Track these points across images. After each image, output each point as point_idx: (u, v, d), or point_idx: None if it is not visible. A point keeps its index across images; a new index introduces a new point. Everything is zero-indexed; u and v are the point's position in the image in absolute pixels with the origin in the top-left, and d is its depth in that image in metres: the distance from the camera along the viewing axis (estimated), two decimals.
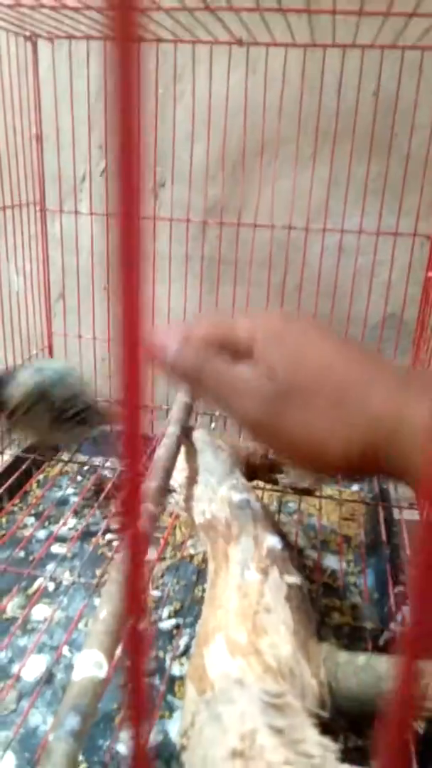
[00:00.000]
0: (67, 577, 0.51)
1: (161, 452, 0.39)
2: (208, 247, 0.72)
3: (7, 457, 0.67)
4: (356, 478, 0.69)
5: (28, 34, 0.65)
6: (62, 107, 0.69)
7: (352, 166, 0.65)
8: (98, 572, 0.52)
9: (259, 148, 0.67)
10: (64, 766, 0.27)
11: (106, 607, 0.33)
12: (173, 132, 0.68)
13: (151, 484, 0.36)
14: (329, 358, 0.32)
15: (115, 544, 0.57)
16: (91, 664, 0.31)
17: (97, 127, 0.69)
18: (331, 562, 0.54)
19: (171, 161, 0.68)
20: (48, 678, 0.42)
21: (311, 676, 0.31)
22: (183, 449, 0.47)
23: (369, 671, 0.31)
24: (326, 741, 0.23)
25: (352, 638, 0.45)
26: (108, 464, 0.69)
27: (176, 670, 0.43)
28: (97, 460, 0.70)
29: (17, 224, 0.68)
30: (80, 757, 0.36)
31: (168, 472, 0.39)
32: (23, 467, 0.65)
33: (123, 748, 0.37)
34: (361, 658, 0.32)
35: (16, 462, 0.66)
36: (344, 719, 0.32)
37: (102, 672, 0.31)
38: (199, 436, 0.48)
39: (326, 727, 0.27)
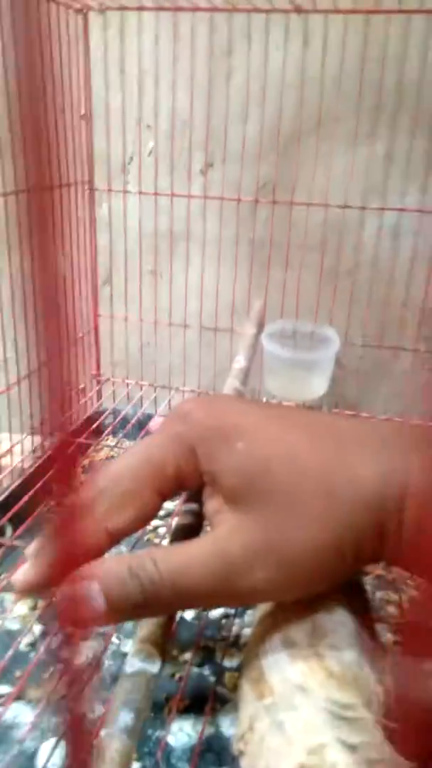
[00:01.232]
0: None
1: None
2: (258, 227, 0.69)
3: (53, 441, 0.67)
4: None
5: (79, 6, 0.63)
6: (112, 85, 0.67)
7: (414, 142, 0.62)
8: None
9: (313, 125, 0.64)
10: (119, 764, 0.26)
11: None
12: (225, 110, 0.65)
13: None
14: (295, 448, 0.25)
15: (162, 530, 0.56)
16: (142, 659, 0.30)
17: (147, 106, 0.68)
18: None
19: (222, 140, 0.66)
20: (97, 664, 0.41)
21: (376, 682, 0.29)
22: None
23: None
24: (407, 763, 0.22)
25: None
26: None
27: (226, 661, 0.42)
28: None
29: (65, 205, 0.68)
30: None
31: None
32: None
33: (173, 739, 0.36)
34: (430, 664, 0.30)
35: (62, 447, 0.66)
36: (411, 728, 0.30)
37: (154, 667, 0.30)
38: None
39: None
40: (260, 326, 0.67)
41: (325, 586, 0.28)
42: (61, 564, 0.25)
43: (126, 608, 0.25)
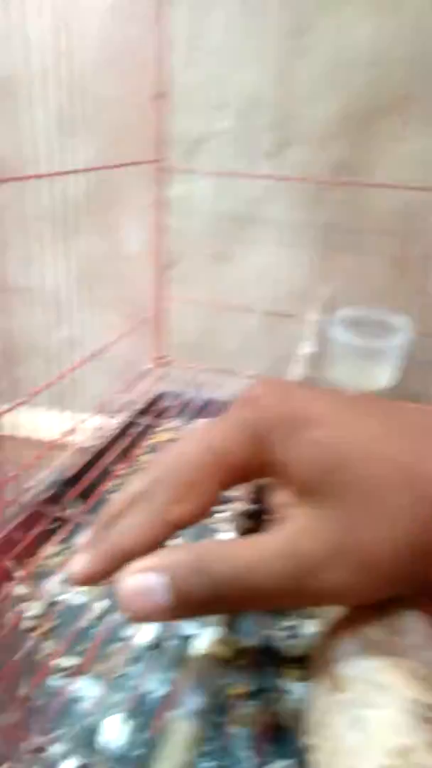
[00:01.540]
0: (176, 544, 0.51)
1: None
2: (330, 210, 0.67)
3: (115, 422, 0.68)
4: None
5: None
6: (188, 63, 0.66)
7: None
8: (209, 539, 0.51)
9: (391, 104, 0.62)
10: (188, 747, 0.25)
11: None
12: (301, 88, 0.64)
13: None
14: (378, 441, 0.24)
15: (220, 514, 0.55)
16: (212, 641, 0.30)
17: (221, 85, 0.66)
18: None
19: (295, 120, 0.64)
20: (159, 645, 0.42)
21: None
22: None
23: None
24: None
25: None
26: None
27: (287, 651, 0.41)
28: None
29: (136, 187, 0.67)
30: None
31: None
32: (132, 433, 0.65)
33: (235, 728, 0.36)
34: None
35: (126, 427, 0.66)
36: None
37: (224, 651, 0.30)
38: None
39: None
40: (328, 312, 0.65)
41: (405, 589, 0.26)
42: (118, 555, 0.24)
43: (191, 605, 0.23)
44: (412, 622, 0.30)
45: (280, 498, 0.26)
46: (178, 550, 0.24)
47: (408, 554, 0.23)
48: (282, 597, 0.24)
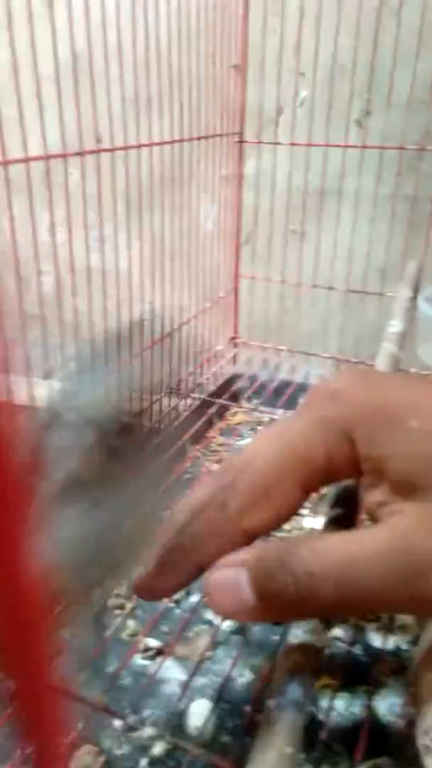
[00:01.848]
0: None
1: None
2: (420, 181, 0.63)
3: (190, 401, 0.67)
4: None
5: None
6: (270, 32, 0.64)
7: None
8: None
9: None
10: (291, 738, 0.24)
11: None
12: (392, 50, 0.60)
13: None
14: None
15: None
16: (308, 630, 0.28)
17: (302, 53, 0.63)
18: None
19: (383, 85, 0.60)
20: (243, 630, 0.40)
21: None
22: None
23: None
24: None
25: None
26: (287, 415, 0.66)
27: (379, 643, 0.39)
28: (277, 413, 0.68)
29: (213, 159, 0.66)
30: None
31: None
32: (207, 413, 0.64)
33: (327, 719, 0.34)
34: None
35: (200, 408, 0.65)
36: None
37: (321, 640, 0.28)
38: None
39: None
40: (416, 290, 0.61)
41: None
42: (193, 570, 0.23)
43: (276, 604, 0.21)
44: None
45: (375, 497, 0.23)
46: (267, 544, 0.23)
47: None
48: (387, 599, 0.21)
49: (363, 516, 0.27)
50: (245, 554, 0.22)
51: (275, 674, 0.26)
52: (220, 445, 0.63)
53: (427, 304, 0.60)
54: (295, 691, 0.26)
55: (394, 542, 0.21)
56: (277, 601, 0.21)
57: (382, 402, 0.23)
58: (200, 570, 0.23)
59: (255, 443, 0.25)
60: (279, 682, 0.26)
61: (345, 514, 0.27)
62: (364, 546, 0.21)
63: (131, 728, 0.33)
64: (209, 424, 0.65)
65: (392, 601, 0.21)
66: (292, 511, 0.24)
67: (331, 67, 0.62)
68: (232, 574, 0.22)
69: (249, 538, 0.23)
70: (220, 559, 0.22)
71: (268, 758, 0.23)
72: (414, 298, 0.60)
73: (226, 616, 0.23)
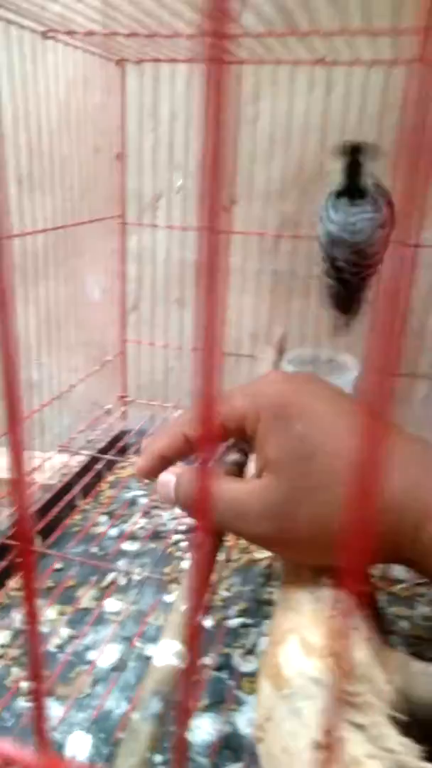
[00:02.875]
0: (138, 573, 0.54)
1: (231, 458, 0.40)
2: (280, 260, 0.73)
3: (82, 458, 0.70)
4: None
5: (117, 58, 0.69)
6: (146, 127, 0.72)
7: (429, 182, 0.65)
8: (167, 570, 0.54)
9: (326, 168, 0.68)
10: (149, 745, 0.28)
11: (185, 601, 0.34)
12: (251, 150, 0.70)
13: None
14: (341, 440, 0.30)
15: (183, 544, 0.58)
16: (171, 653, 0.33)
17: (176, 148, 0.72)
18: (398, 571, 0.54)
19: (246, 179, 0.70)
20: (122, 666, 0.44)
21: (385, 682, 0.31)
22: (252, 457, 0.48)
23: None
24: (407, 741, 0.24)
25: (422, 648, 0.45)
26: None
27: (243, 666, 0.44)
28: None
29: (98, 238, 0.72)
30: None
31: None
32: (96, 468, 0.68)
33: (192, 735, 0.38)
34: None
35: (90, 463, 0.69)
36: (419, 731, 0.32)
37: (182, 662, 0.33)
38: None
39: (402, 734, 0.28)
40: (281, 353, 0.70)
41: (327, 560, 0.32)
42: (156, 455, 0.35)
43: (184, 506, 0.35)
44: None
45: (257, 464, 0.33)
46: (191, 468, 0.35)
47: (330, 535, 0.29)
48: (249, 525, 0.32)
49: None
50: (180, 468, 0.34)
51: (141, 692, 0.30)
52: (108, 497, 0.67)
53: (290, 365, 0.68)
54: (156, 705, 0.30)
55: (258, 491, 0.31)
56: (184, 504, 0.34)
57: (285, 402, 0.32)
58: (163, 458, 0.35)
59: (221, 402, 0.35)
60: (143, 698, 0.30)
61: (239, 459, 0.38)
62: (244, 486, 0.32)
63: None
64: (99, 477, 0.69)
65: (255, 529, 0.32)
66: (219, 441, 0.36)
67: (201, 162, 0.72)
68: (168, 478, 0.34)
69: (189, 442, 0.34)
70: (171, 450, 0.35)
71: (130, 763, 0.27)
72: (279, 360, 0.69)
73: (163, 503, 0.37)
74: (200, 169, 0.09)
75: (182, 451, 0.35)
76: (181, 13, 0.51)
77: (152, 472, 0.35)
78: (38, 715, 0.11)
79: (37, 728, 0.11)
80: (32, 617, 0.11)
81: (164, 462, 0.35)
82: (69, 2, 0.50)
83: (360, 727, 0.24)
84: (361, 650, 0.32)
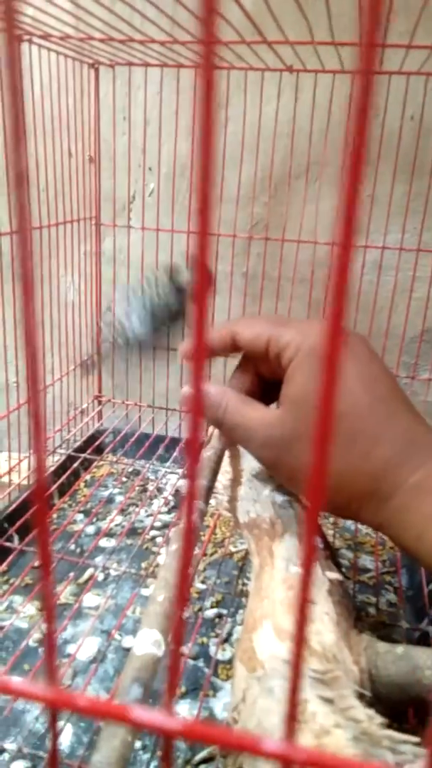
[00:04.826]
0: (115, 568, 0.55)
1: (208, 455, 0.42)
2: (251, 262, 0.75)
3: (58, 457, 0.71)
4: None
5: (91, 61, 0.69)
6: (119, 131, 0.73)
7: (394, 187, 0.68)
8: (144, 565, 0.55)
9: (302, 169, 0.70)
10: (127, 734, 0.30)
11: (162, 592, 0.36)
12: (222, 154, 0.72)
13: (200, 483, 0.40)
14: (351, 399, 0.33)
15: (159, 540, 0.60)
16: (150, 642, 0.34)
17: (148, 151, 0.74)
18: (366, 561, 0.57)
19: (219, 182, 0.72)
20: (101, 658, 0.45)
21: (353, 662, 0.33)
22: (228, 453, 0.50)
23: (407, 660, 0.34)
24: (371, 711, 0.26)
25: (387, 632, 0.47)
26: (150, 466, 0.72)
27: (219, 654, 0.46)
28: (138, 463, 0.74)
29: (73, 239, 0.73)
30: None
31: (215, 474, 0.42)
32: (72, 467, 0.69)
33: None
34: (400, 648, 0.34)
35: (66, 462, 0.70)
36: (383, 706, 0.34)
37: (160, 651, 0.34)
38: None
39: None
40: None
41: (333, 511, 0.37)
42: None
43: (209, 419, 0.37)
44: (318, 613, 0.35)
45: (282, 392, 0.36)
46: (223, 389, 0.37)
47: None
48: (260, 448, 0.35)
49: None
50: (209, 385, 0.36)
51: (121, 679, 0.32)
52: (84, 496, 0.68)
53: None
54: (136, 690, 0.32)
55: (269, 422, 0.34)
56: (210, 417, 0.36)
57: (310, 345, 0.34)
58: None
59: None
60: (123, 685, 0.32)
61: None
62: (256, 417, 0.35)
63: None
64: (75, 476, 0.70)
65: (256, 452, 0.36)
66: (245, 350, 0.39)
67: (173, 165, 0.73)
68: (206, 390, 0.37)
69: (232, 341, 0.38)
70: (215, 341, 0.38)
71: (112, 745, 0.29)
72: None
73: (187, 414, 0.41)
74: (195, 172, 0.10)
75: (226, 348, 0.38)
76: (153, 19, 0.52)
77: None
78: (50, 648, 0.12)
79: (48, 662, 0.12)
80: (45, 560, 0.12)
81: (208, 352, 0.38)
82: (43, 6, 0.51)
83: (328, 700, 0.26)
84: (331, 633, 0.34)
